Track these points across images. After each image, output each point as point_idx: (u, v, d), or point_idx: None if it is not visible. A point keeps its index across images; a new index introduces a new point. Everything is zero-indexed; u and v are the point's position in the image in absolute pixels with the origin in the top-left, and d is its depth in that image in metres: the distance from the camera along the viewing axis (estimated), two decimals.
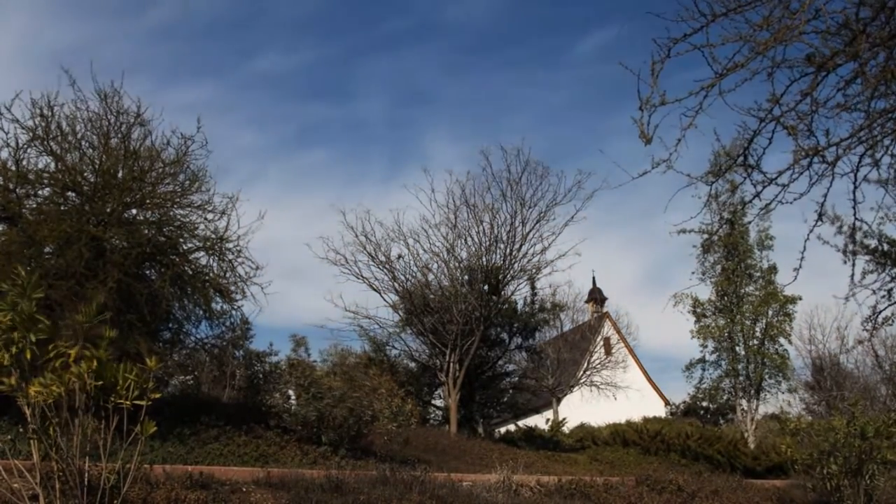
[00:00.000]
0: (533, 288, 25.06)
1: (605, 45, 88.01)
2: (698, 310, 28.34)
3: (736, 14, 5.23)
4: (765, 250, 28.23)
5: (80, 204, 12.31)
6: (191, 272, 13.02)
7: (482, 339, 22.52)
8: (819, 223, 6.21)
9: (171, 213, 13.14)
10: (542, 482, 11.31)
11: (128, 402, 6.07)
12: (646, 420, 28.11)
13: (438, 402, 26.39)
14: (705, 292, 28.63)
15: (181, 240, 13.17)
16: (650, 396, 39.86)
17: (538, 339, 27.22)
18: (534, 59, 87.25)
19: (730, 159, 5.99)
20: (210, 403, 14.53)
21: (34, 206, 12.25)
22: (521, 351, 26.50)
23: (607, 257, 63.99)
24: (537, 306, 25.76)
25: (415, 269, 22.68)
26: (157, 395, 6.31)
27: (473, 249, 22.31)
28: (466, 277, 22.36)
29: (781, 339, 27.57)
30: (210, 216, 13.22)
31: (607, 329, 35.89)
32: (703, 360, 28.79)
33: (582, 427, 27.10)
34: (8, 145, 11.82)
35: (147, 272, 12.95)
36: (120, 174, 12.52)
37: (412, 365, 25.19)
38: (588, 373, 29.95)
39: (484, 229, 22.21)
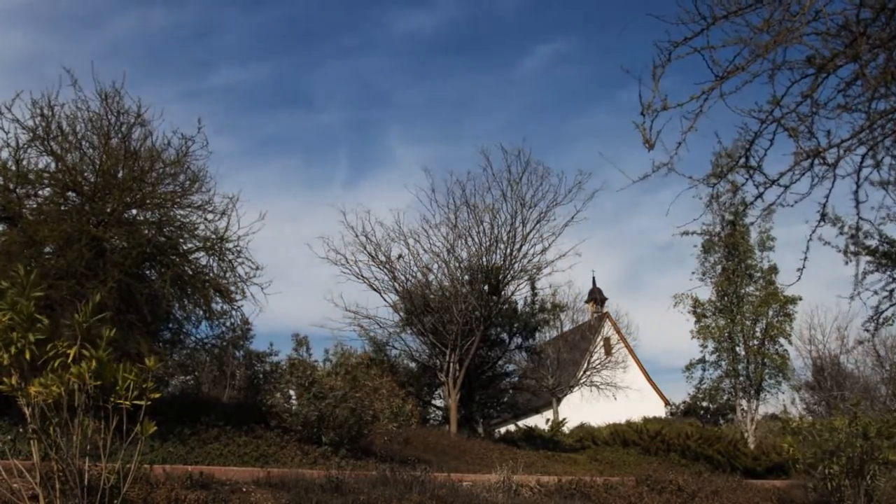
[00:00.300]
0: (533, 288, 25.12)
1: (560, 52, 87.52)
2: (698, 310, 28.34)
3: (736, 17, 5.23)
4: (765, 251, 28.27)
5: (80, 204, 12.29)
6: (191, 272, 13.01)
7: (482, 339, 22.53)
8: (821, 224, 6.21)
9: (172, 214, 13.13)
10: (542, 482, 11.31)
11: (127, 402, 6.07)
12: (646, 420, 28.15)
13: (438, 402, 26.41)
14: (705, 293, 28.68)
15: (181, 240, 13.16)
16: (650, 396, 39.84)
17: (538, 339, 27.28)
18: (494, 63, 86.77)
19: (731, 161, 5.98)
20: (210, 403, 14.56)
21: (34, 206, 12.23)
22: (521, 351, 26.51)
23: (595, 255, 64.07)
24: (537, 306, 25.78)
25: (415, 269, 22.76)
26: (157, 395, 6.31)
27: (474, 249, 22.37)
28: (467, 277, 22.37)
29: (781, 340, 27.56)
30: (210, 216, 13.22)
31: (607, 329, 35.91)
32: (703, 361, 28.78)
33: (582, 427, 27.10)
34: (8, 145, 11.81)
35: (147, 272, 12.93)
36: (120, 174, 12.51)
37: (412, 365, 25.21)
38: (588, 373, 29.95)
39: (484, 229, 22.27)
